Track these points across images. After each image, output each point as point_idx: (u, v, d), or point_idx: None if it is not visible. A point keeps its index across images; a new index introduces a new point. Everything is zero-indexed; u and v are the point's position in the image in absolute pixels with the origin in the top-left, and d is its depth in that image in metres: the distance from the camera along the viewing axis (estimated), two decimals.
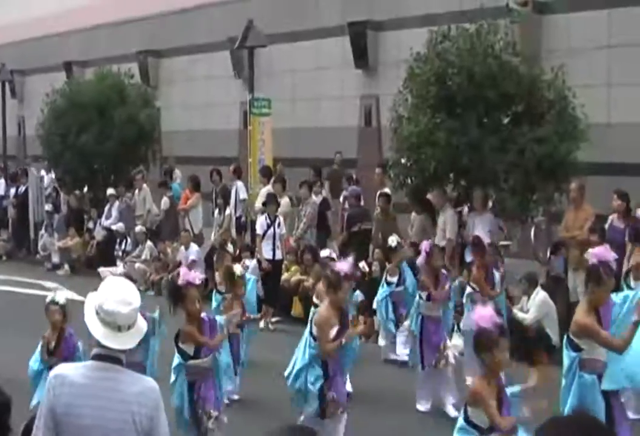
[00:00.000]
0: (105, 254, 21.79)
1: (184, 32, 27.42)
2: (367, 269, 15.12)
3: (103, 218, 22.46)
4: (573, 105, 15.15)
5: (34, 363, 9.74)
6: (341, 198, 18.87)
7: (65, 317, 9.57)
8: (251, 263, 17.42)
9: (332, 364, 9.03)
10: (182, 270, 9.29)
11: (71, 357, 9.37)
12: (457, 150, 14.95)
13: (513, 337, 12.93)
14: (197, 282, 8.91)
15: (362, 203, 18.05)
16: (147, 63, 28.64)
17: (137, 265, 20.11)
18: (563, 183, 14.83)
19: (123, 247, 21.37)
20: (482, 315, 6.94)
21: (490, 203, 15.19)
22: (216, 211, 19.71)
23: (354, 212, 17.64)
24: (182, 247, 19.00)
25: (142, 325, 5.24)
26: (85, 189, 24.26)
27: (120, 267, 20.15)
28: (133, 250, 20.94)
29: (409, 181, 15.87)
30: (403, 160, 15.64)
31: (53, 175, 25.13)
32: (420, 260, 11.67)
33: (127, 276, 16.81)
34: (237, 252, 17.22)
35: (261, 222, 16.64)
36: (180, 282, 8.84)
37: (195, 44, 26.94)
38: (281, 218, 16.70)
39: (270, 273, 16.39)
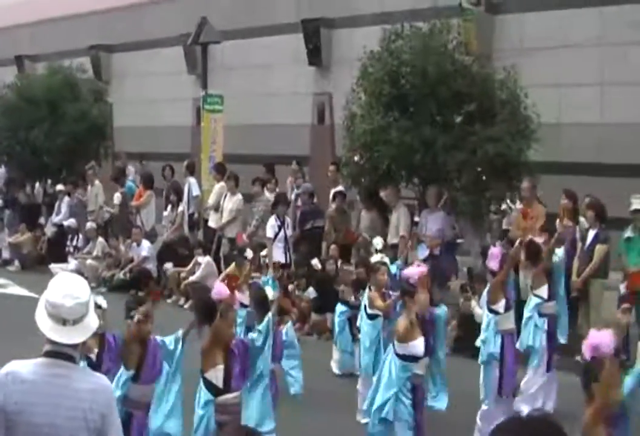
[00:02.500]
0: (56, 250, 21.62)
1: (137, 26, 27.26)
2: (319, 266, 15.15)
3: (53, 215, 22.30)
4: (525, 105, 15.27)
5: None
6: (293, 196, 18.88)
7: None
8: (204, 260, 17.41)
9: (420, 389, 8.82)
10: (218, 285, 8.24)
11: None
12: (410, 149, 15.01)
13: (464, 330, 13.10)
14: (237, 305, 8.04)
15: (315, 200, 18.07)
16: (100, 58, 28.41)
17: (88, 261, 19.98)
18: (515, 182, 14.95)
19: (74, 243, 21.21)
20: (602, 339, 5.95)
21: (442, 201, 15.27)
22: (168, 208, 19.64)
23: (307, 209, 17.67)
24: (134, 244, 18.92)
25: (92, 322, 5.18)
26: (37, 185, 24.05)
27: (71, 263, 20.00)
28: (84, 246, 20.80)
29: (362, 179, 15.91)
30: (356, 158, 15.68)
31: (3, 170, 24.89)
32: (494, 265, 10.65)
33: (78, 272, 16.74)
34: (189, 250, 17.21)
35: (272, 224, 16.21)
36: (215, 297, 7.80)
37: (148, 39, 26.78)
38: (289, 220, 16.41)
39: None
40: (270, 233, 15.97)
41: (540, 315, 10.90)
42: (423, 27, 15.78)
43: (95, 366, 7.85)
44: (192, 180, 19.58)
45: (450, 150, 14.96)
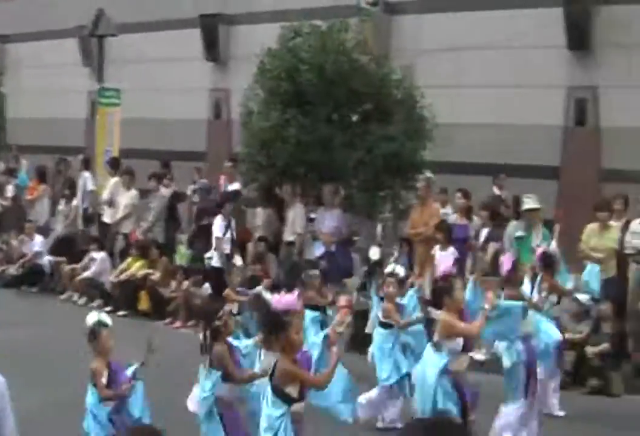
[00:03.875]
0: None
1: (33, 17, 26.77)
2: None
3: None
4: (421, 105, 15.46)
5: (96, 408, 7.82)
6: (189, 191, 18.77)
7: None
8: (98, 255, 17.19)
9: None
10: (276, 296, 7.20)
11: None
12: (307, 146, 15.07)
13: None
14: (299, 308, 7.13)
15: (211, 196, 17.99)
16: None
17: None
18: (410, 181, 15.12)
19: None
20: None
21: (338, 199, 15.36)
22: (62, 202, 19.34)
23: (204, 205, 17.58)
24: (27, 238, 18.59)
25: None
26: None
27: None
28: None
29: (259, 176, 15.92)
30: (253, 155, 15.68)
31: None
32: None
33: None
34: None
35: (219, 223, 15.21)
36: (279, 307, 6.94)
37: (43, 30, 26.33)
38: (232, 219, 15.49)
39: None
40: (218, 232, 15.06)
41: None
42: (321, 25, 15.86)
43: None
44: (87, 174, 19.31)
45: (347, 149, 15.07)
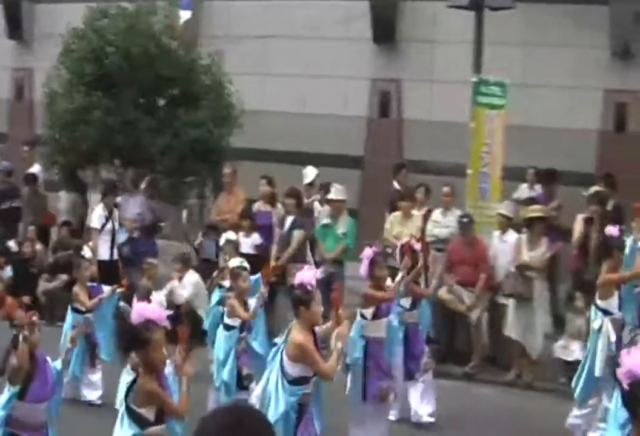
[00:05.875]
0: None
1: None
2: (16, 248, 14.70)
3: None
4: (228, 92, 15.44)
5: None
6: None
7: None
8: None
9: (309, 407, 7.63)
10: (138, 303, 6.54)
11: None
12: (112, 130, 14.82)
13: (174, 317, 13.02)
14: (165, 321, 6.25)
15: (12, 179, 17.42)
16: None
17: None
18: (216, 168, 15.08)
19: None
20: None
21: (143, 185, 15.16)
22: None
23: (4, 188, 17.00)
24: None
25: None
26: None
27: None
28: None
29: (62, 159, 15.53)
30: (56, 138, 15.29)
31: None
32: (363, 270, 9.54)
33: None
34: None
35: (99, 213, 13.86)
36: (138, 320, 6.13)
37: None
38: (116, 211, 14.14)
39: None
40: (96, 222, 13.80)
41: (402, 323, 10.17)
42: (129, 7, 15.60)
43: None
44: None
45: (153, 133, 14.90)
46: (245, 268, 9.70)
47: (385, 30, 17.82)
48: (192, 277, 13.10)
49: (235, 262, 9.89)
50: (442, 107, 16.71)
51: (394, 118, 17.85)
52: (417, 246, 10.36)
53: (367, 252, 9.50)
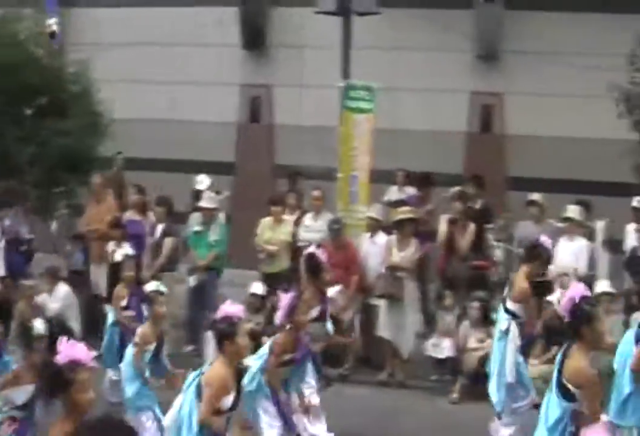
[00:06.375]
0: None
1: None
2: None
3: None
4: (97, 100, 15.28)
5: None
6: None
7: None
8: None
9: None
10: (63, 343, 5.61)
11: None
12: None
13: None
14: (91, 363, 5.60)
15: None
16: None
17: None
18: (86, 177, 14.90)
19: None
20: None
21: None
22: None
23: None
24: None
25: None
26: None
27: None
28: None
29: None
30: None
31: None
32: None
33: None
34: None
35: None
36: (59, 361, 5.46)
37: None
38: (8, 222, 13.80)
39: None
40: None
41: None
42: None
43: None
44: None
45: (21, 143, 14.65)
46: (161, 293, 9.37)
47: (254, 36, 17.92)
48: (62, 289, 12.96)
49: (151, 285, 9.53)
50: (312, 112, 16.88)
51: (264, 124, 17.96)
52: (323, 255, 9.79)
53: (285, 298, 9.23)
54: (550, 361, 11.56)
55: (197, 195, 14.13)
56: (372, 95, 13.93)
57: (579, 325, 6.73)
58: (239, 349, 7.13)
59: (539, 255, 9.53)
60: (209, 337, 10.45)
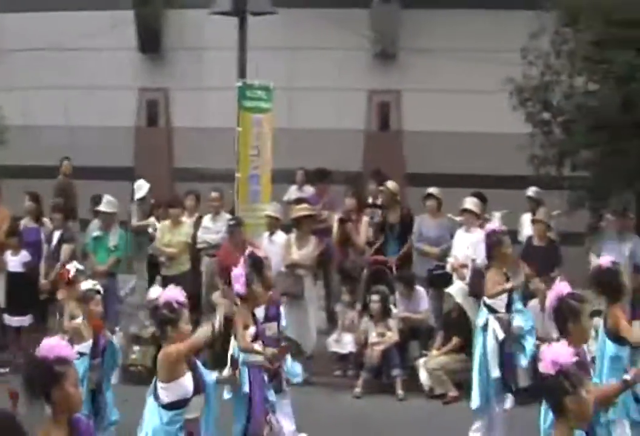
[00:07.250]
0: None
1: None
2: None
3: None
4: None
5: None
6: None
7: None
8: None
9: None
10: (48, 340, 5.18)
11: None
12: None
13: None
14: (75, 356, 5.36)
15: None
16: None
17: None
18: None
19: None
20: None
21: None
22: None
23: None
24: None
25: None
26: None
27: None
28: None
29: None
30: None
31: None
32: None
33: None
34: None
35: None
36: (47, 356, 5.04)
37: None
38: None
39: None
40: None
41: None
42: None
43: None
44: None
45: None
46: (98, 292, 9.10)
47: (150, 39, 17.81)
48: None
49: (87, 284, 9.21)
50: (211, 114, 16.82)
51: (162, 127, 17.85)
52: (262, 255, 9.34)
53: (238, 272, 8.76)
54: (451, 352, 11.79)
55: (97, 200, 13.94)
56: (270, 94, 13.90)
57: (565, 321, 6.68)
58: (182, 335, 6.90)
59: (498, 247, 9.63)
60: None
